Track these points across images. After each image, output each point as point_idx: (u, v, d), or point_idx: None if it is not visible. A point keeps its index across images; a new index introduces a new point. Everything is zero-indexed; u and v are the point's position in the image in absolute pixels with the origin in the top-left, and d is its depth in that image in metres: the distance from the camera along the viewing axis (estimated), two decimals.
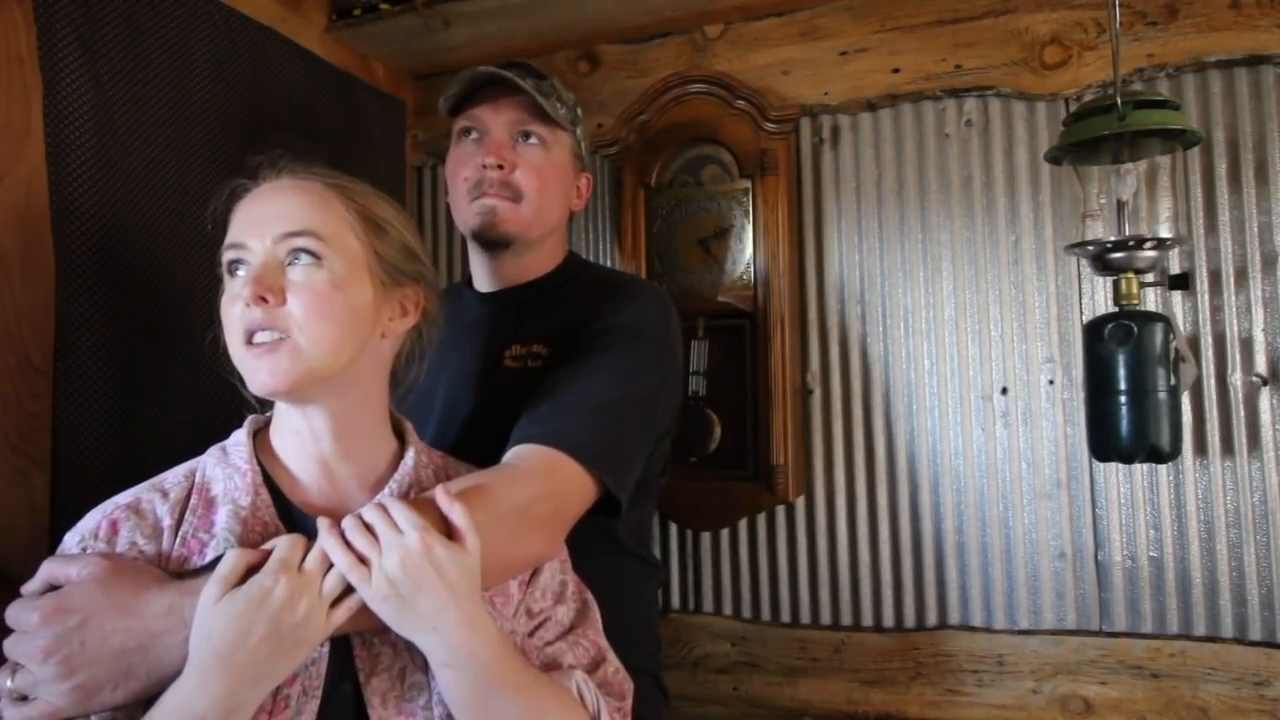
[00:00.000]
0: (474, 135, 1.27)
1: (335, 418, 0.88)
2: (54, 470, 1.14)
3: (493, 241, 1.26)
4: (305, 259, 0.85)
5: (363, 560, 0.78)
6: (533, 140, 1.27)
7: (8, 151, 1.11)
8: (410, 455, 0.93)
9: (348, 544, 0.79)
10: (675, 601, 1.75)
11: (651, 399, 1.15)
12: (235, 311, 0.85)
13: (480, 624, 0.81)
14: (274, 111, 1.51)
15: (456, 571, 0.79)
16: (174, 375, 1.27)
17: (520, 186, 1.25)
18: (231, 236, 0.88)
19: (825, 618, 1.64)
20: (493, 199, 1.24)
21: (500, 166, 1.23)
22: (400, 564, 0.77)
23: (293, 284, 0.84)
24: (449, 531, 0.82)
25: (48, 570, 0.80)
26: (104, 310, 1.20)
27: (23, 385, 1.12)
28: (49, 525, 1.12)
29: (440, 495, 0.84)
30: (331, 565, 0.78)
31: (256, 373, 0.84)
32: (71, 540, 0.84)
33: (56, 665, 0.74)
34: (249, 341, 0.84)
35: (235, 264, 0.87)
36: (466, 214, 1.27)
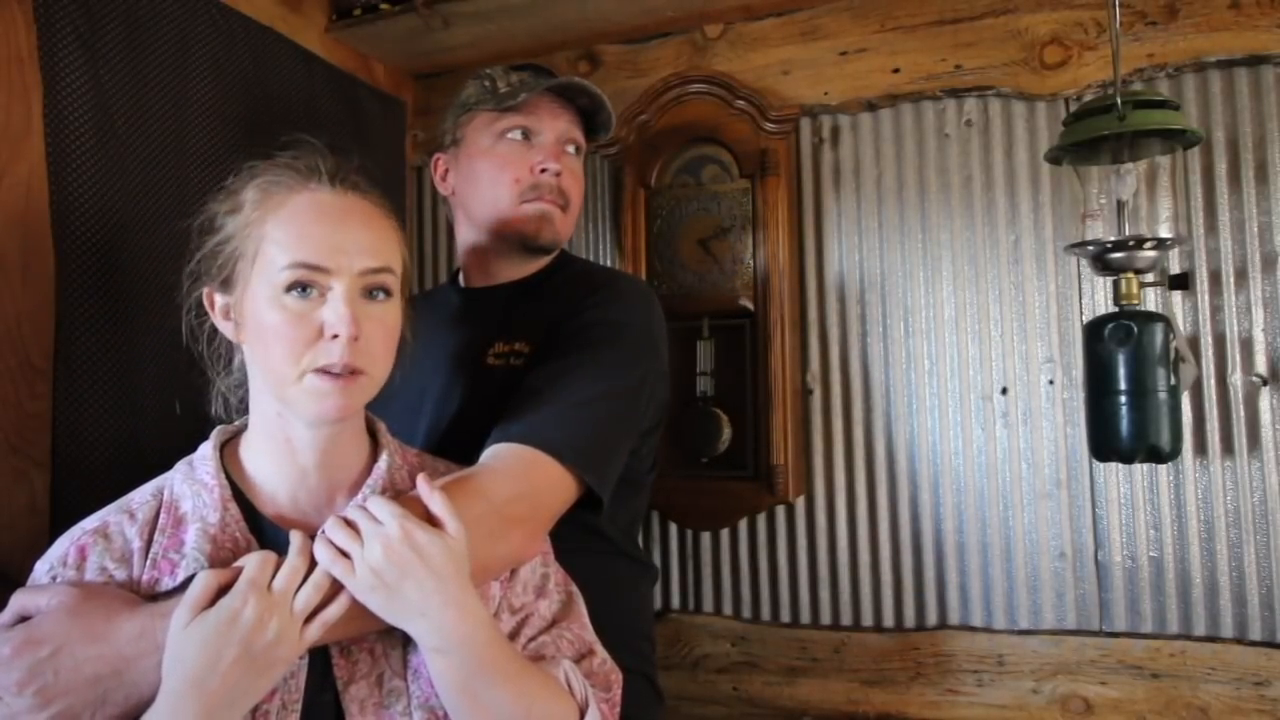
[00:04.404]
0: (519, 135, 1.26)
1: (333, 434, 0.88)
2: (54, 470, 1.14)
3: (540, 247, 1.27)
4: (383, 295, 0.86)
5: (345, 555, 0.79)
6: (575, 151, 1.30)
7: (8, 151, 1.11)
8: (383, 460, 0.92)
9: (328, 544, 0.79)
10: (675, 601, 1.75)
11: (634, 395, 1.14)
12: (301, 335, 0.81)
13: (470, 608, 0.81)
14: (274, 111, 1.51)
15: (440, 555, 0.80)
16: (174, 375, 1.27)
17: (569, 194, 1.27)
18: (305, 256, 0.82)
19: (825, 618, 1.64)
20: (550, 204, 1.25)
21: (559, 174, 1.25)
22: (382, 552, 0.78)
23: (370, 317, 0.84)
24: (431, 522, 0.82)
25: (18, 602, 0.79)
26: (104, 310, 1.20)
27: (23, 385, 1.12)
28: (49, 525, 1.12)
29: (421, 483, 0.84)
30: (303, 581, 0.78)
31: (326, 401, 0.82)
32: (41, 569, 0.84)
33: (32, 696, 0.74)
34: (323, 370, 0.82)
35: (307, 286, 0.82)
36: (516, 215, 1.25)
